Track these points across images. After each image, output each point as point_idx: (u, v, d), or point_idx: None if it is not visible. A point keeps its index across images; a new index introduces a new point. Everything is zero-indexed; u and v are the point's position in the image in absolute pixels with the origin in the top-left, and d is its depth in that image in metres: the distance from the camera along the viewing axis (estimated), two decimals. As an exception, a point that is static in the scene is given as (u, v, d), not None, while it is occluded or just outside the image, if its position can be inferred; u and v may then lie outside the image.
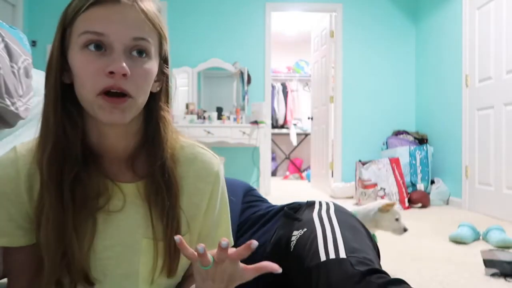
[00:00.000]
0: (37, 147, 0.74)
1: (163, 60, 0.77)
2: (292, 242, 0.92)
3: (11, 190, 0.73)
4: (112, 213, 0.74)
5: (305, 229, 0.92)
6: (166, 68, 0.78)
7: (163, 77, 0.78)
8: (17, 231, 0.74)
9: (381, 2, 4.90)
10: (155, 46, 0.72)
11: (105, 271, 0.75)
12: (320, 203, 1.06)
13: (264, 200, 1.28)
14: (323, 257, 0.81)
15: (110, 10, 0.68)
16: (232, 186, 1.17)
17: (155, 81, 0.76)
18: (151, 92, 0.75)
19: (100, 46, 0.67)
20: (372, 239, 0.97)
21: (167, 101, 0.79)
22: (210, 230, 0.83)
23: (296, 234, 0.93)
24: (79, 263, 0.71)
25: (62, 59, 0.72)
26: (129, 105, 0.69)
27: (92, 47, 0.67)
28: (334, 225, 0.91)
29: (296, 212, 1.06)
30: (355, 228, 0.94)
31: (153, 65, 0.72)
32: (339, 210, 1.02)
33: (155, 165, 0.75)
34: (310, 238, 0.87)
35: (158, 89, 0.77)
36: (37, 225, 0.72)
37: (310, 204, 1.07)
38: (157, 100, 0.77)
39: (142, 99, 0.72)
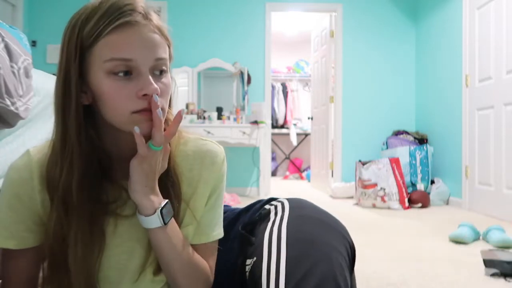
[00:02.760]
0: (63, 172, 0.73)
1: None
2: (246, 273, 0.90)
3: (25, 192, 0.75)
4: (124, 216, 0.77)
5: (254, 258, 0.88)
6: (170, 74, 0.81)
7: None
8: (25, 234, 0.75)
9: (381, 2, 4.90)
10: (167, 58, 0.75)
11: (119, 265, 0.78)
12: (276, 210, 0.97)
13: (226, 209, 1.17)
14: None
15: (131, 34, 0.69)
16: None
17: None
18: None
19: (127, 71, 0.70)
20: (333, 244, 0.85)
21: (170, 104, 0.82)
22: (210, 217, 0.85)
23: (249, 263, 0.90)
24: (88, 276, 0.74)
25: (81, 81, 0.72)
26: (161, 115, 0.73)
27: (121, 74, 0.69)
28: (282, 249, 0.84)
29: (254, 228, 0.99)
30: (307, 241, 0.85)
31: (170, 77, 0.76)
32: (293, 217, 0.92)
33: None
34: (257, 272, 0.84)
35: None
36: (61, 241, 0.73)
37: (266, 215, 0.98)
38: None
39: (166, 108, 0.76)
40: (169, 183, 0.78)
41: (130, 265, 0.79)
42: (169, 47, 0.76)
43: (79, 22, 0.70)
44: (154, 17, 0.74)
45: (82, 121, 0.72)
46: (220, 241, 0.90)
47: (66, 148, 0.72)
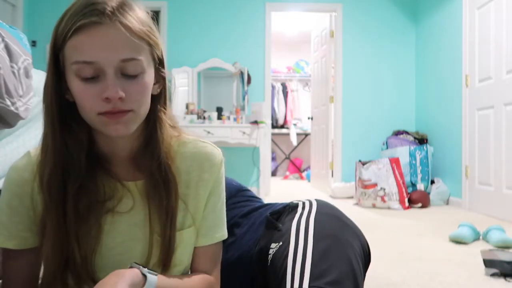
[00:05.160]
0: (38, 165, 0.75)
1: (159, 63, 0.77)
2: (269, 256, 0.94)
3: (26, 193, 0.75)
4: (120, 213, 0.77)
5: (280, 243, 0.93)
6: (163, 71, 0.79)
7: (161, 79, 0.79)
8: (25, 234, 0.76)
9: (381, 2, 4.90)
10: (146, 57, 0.72)
11: (120, 265, 0.77)
12: (304, 205, 1.04)
13: (256, 200, 1.25)
14: (288, 285, 0.82)
15: (94, 36, 0.67)
16: None
17: (154, 84, 0.77)
18: (151, 95, 0.76)
19: (92, 76, 0.69)
20: (355, 247, 0.92)
21: (165, 102, 0.81)
22: (212, 218, 0.86)
23: (274, 247, 0.94)
24: (83, 268, 0.74)
25: (63, 80, 0.73)
26: (131, 118, 0.72)
27: (85, 76, 0.69)
28: (308, 239, 0.89)
29: (279, 218, 1.05)
30: (333, 238, 0.90)
31: (148, 77, 0.73)
32: (320, 213, 0.98)
33: (153, 163, 0.78)
34: (282, 256, 0.89)
35: (158, 91, 0.79)
36: (41, 236, 0.75)
37: (294, 208, 1.05)
38: (156, 102, 0.79)
39: (143, 109, 0.74)
40: (160, 178, 0.78)
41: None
42: (151, 47, 0.73)
43: (57, 22, 0.72)
44: (129, 16, 0.70)
45: (56, 116, 0.72)
46: (249, 223, 1.03)
47: (43, 140, 0.74)
